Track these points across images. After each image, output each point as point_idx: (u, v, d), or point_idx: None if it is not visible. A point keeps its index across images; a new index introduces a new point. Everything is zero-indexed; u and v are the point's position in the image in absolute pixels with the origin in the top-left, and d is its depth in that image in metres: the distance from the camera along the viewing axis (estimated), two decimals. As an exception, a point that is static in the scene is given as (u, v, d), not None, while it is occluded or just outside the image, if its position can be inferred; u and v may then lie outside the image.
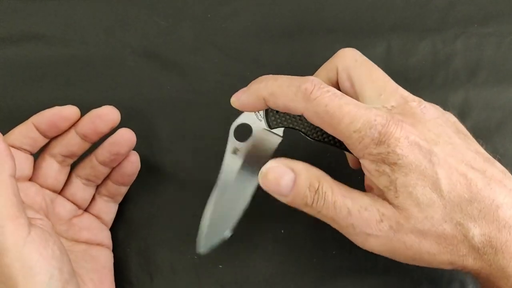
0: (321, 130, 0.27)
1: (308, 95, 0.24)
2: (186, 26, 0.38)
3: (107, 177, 0.33)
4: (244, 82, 0.37)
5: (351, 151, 0.25)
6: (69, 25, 0.38)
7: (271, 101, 0.26)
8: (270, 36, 0.37)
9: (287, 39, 0.37)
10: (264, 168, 0.26)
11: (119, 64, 0.37)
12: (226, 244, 0.34)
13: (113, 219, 0.34)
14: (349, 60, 0.28)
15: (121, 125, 0.36)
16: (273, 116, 0.28)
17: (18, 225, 0.25)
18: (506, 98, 0.36)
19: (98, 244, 0.32)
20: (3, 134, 0.36)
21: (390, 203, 0.24)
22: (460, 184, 0.23)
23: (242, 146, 0.29)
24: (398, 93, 0.26)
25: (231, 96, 0.36)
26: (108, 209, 0.33)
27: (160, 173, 0.35)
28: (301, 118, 0.28)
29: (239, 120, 0.28)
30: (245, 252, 0.34)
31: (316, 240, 0.34)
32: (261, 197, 0.35)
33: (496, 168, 0.25)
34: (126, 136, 0.31)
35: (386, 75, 0.27)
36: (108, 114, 0.30)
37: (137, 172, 0.33)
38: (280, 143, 0.29)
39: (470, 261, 0.24)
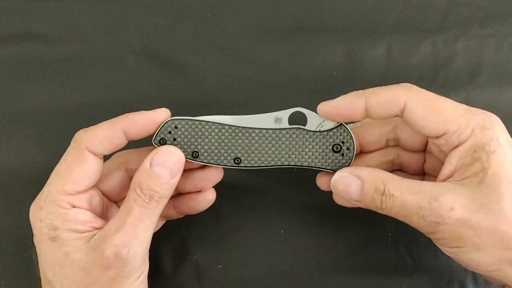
0: None
1: (410, 86, 0.27)
2: (185, 26, 0.38)
3: (170, 201, 0.31)
4: (243, 82, 0.37)
5: (446, 139, 0.25)
6: (69, 25, 0.38)
7: (372, 98, 0.27)
8: (270, 36, 0.37)
9: (287, 39, 0.37)
10: (333, 180, 0.28)
11: (119, 63, 0.37)
12: (226, 244, 0.34)
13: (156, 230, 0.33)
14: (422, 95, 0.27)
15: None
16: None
17: (147, 257, 0.27)
18: (507, 99, 0.36)
19: None
20: (3, 133, 0.36)
21: (468, 187, 0.24)
22: None
23: (286, 124, 0.29)
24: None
25: (230, 96, 0.36)
26: (159, 223, 0.33)
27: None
28: None
29: (302, 110, 0.29)
30: (245, 252, 0.34)
31: (315, 241, 0.34)
32: (261, 197, 0.35)
33: None
34: (217, 178, 0.31)
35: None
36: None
37: None
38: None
39: None
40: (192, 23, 0.38)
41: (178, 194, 0.32)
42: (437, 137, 0.26)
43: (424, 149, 0.30)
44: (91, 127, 0.28)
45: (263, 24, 0.38)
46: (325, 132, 0.29)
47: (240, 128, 0.28)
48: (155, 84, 0.37)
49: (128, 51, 0.37)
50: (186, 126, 0.28)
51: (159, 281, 0.34)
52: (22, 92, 0.37)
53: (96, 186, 0.29)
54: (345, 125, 0.28)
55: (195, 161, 0.29)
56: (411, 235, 0.34)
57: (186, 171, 0.30)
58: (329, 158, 0.29)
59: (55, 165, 0.35)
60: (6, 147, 0.36)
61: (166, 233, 0.34)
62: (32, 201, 0.34)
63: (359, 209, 0.34)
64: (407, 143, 0.30)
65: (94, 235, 0.26)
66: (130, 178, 0.30)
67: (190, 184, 0.30)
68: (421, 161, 0.31)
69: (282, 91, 0.36)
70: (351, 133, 0.29)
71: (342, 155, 0.29)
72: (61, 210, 0.26)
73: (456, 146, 0.25)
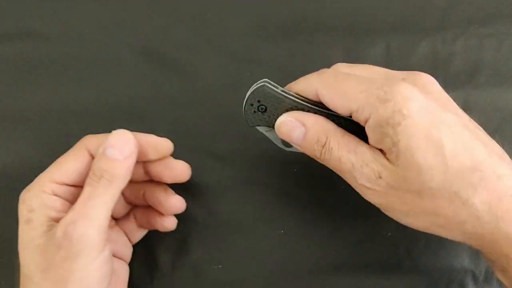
0: None
1: (323, 71, 0.28)
2: (185, 26, 0.38)
3: (146, 208, 0.33)
4: (242, 81, 0.37)
5: (355, 118, 0.26)
6: (67, 24, 0.38)
7: (294, 87, 0.28)
8: (269, 36, 0.37)
9: (286, 38, 0.37)
10: (278, 121, 0.28)
11: (117, 63, 0.37)
12: (225, 244, 0.34)
13: (139, 239, 0.34)
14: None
15: (119, 124, 0.36)
16: (251, 115, 0.29)
17: (102, 238, 0.26)
18: (506, 99, 0.36)
19: (120, 259, 0.32)
20: (0, 132, 0.36)
21: (390, 162, 0.24)
22: (463, 152, 0.24)
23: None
24: (402, 73, 0.28)
25: (229, 95, 0.37)
26: (137, 232, 0.33)
27: (159, 173, 0.35)
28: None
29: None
30: (245, 252, 0.34)
31: (315, 240, 0.34)
32: (260, 197, 0.35)
33: (496, 145, 0.26)
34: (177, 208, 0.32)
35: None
36: (184, 176, 0.32)
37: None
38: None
39: (469, 228, 0.24)
40: (191, 22, 0.38)
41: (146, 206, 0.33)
42: (351, 115, 0.26)
43: None
44: (101, 134, 0.29)
45: (262, 23, 0.38)
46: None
47: None
48: (153, 83, 0.37)
49: (126, 51, 0.37)
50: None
51: (158, 281, 0.34)
52: (19, 91, 0.37)
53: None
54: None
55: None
56: (410, 236, 0.34)
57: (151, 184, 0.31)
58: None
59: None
60: (4, 146, 0.36)
61: (166, 233, 0.34)
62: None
63: (359, 209, 0.35)
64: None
65: None
66: None
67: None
68: None
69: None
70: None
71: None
72: (43, 194, 0.27)
73: (365, 123, 0.25)
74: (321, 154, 0.26)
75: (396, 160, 0.24)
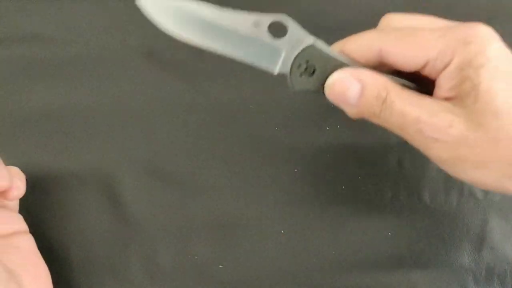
0: None
1: (379, 29, 0.26)
2: (186, 27, 0.38)
3: None
4: (244, 82, 0.37)
5: (427, 70, 0.24)
6: (69, 26, 0.38)
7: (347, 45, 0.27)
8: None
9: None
10: (330, 79, 0.26)
11: (119, 64, 0.37)
12: (226, 244, 0.34)
13: (18, 201, 0.32)
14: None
15: (120, 126, 0.36)
16: (297, 77, 0.27)
17: None
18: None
19: (14, 233, 0.31)
20: (6, 134, 0.36)
21: (464, 108, 0.23)
22: None
23: (266, 24, 0.28)
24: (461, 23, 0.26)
25: (232, 97, 0.37)
26: (11, 202, 0.32)
27: (160, 174, 0.35)
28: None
29: (284, 19, 0.28)
30: (245, 252, 0.34)
31: (315, 241, 0.34)
32: (261, 197, 0.35)
33: None
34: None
35: None
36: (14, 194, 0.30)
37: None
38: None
39: None
40: (192, 23, 0.38)
41: None
42: (422, 68, 0.25)
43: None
44: None
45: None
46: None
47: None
48: (155, 85, 0.37)
49: (128, 52, 0.37)
50: None
51: (158, 281, 0.34)
52: (24, 93, 0.37)
53: None
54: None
55: None
56: (411, 234, 0.34)
57: None
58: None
59: (57, 166, 0.36)
60: (10, 149, 0.36)
61: (166, 233, 0.34)
62: (33, 200, 0.35)
63: (359, 209, 0.35)
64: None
65: None
66: None
67: None
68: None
69: (282, 91, 0.36)
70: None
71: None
72: None
73: (442, 70, 0.24)
74: (381, 110, 0.25)
75: (473, 104, 0.23)
